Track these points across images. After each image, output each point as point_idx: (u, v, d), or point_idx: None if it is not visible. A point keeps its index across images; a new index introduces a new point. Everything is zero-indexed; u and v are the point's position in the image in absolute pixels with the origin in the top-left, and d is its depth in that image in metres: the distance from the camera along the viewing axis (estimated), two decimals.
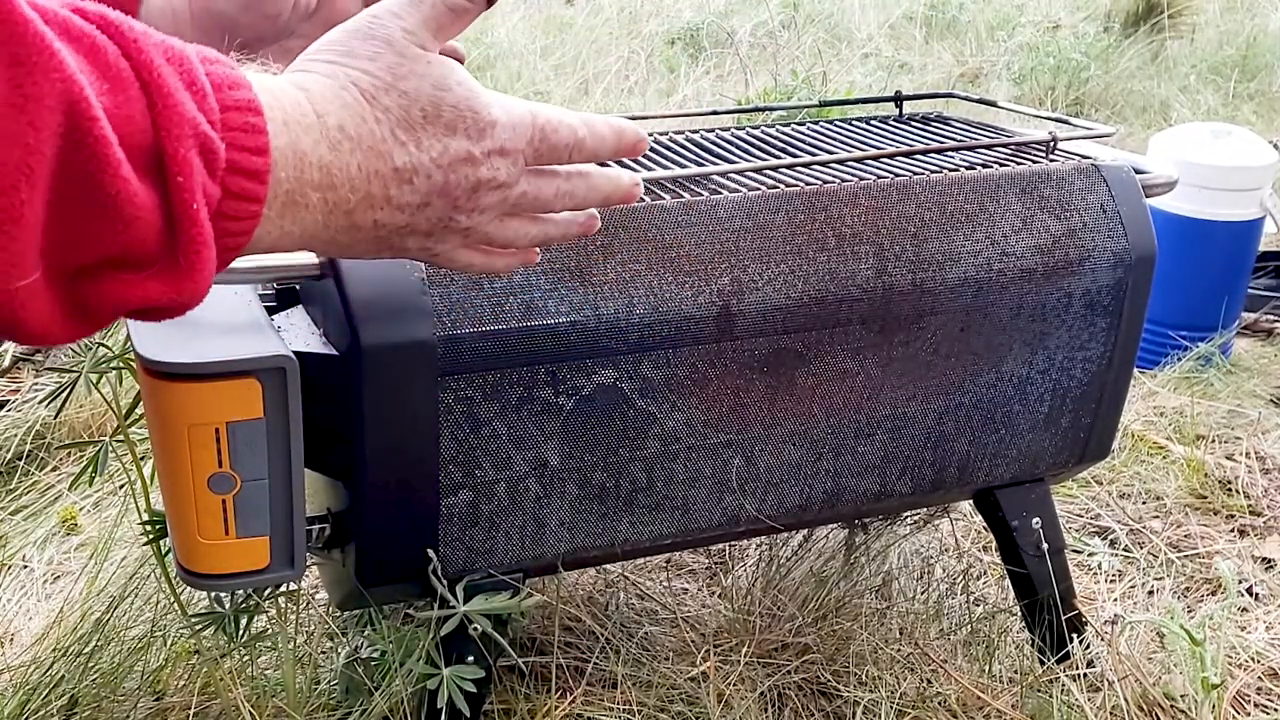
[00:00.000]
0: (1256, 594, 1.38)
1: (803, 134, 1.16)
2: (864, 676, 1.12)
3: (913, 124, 1.23)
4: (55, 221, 0.42)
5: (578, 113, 0.67)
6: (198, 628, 1.01)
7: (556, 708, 1.05)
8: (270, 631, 1.08)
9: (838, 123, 1.23)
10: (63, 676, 1.09)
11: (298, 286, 0.96)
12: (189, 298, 0.48)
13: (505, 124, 0.62)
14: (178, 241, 0.46)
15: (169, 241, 0.46)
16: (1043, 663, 1.15)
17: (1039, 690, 1.10)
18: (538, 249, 0.71)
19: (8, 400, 1.72)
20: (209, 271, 0.48)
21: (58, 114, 0.40)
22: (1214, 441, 1.76)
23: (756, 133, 1.17)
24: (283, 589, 1.01)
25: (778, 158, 1.05)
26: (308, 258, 0.82)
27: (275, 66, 0.64)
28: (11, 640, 1.25)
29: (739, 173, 0.97)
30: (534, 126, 0.63)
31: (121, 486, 1.47)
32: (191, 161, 0.46)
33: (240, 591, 0.98)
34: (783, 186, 0.95)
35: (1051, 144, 1.05)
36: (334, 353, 0.83)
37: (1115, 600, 1.34)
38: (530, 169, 0.64)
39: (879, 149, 1.08)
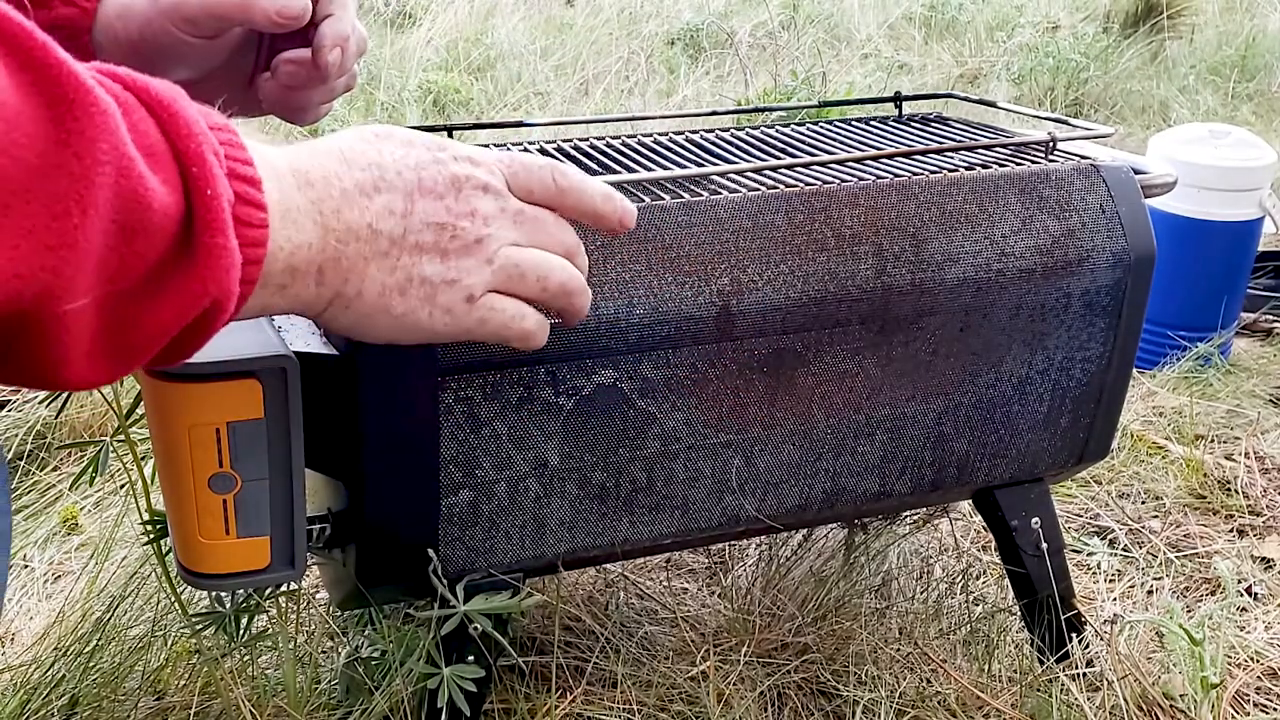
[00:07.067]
0: (1256, 594, 1.38)
1: (802, 134, 1.16)
2: (864, 676, 1.12)
3: (912, 124, 1.23)
4: (105, 246, 0.45)
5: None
6: (198, 628, 1.01)
7: (556, 707, 1.05)
8: (270, 631, 1.08)
9: (837, 123, 1.23)
10: (63, 676, 1.09)
11: None
12: (217, 291, 0.49)
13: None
14: (194, 227, 0.48)
15: (187, 231, 0.48)
16: (1042, 662, 1.15)
17: (1038, 690, 1.11)
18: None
19: (8, 400, 1.72)
20: (231, 263, 0.50)
21: (99, 144, 0.44)
22: (1213, 441, 1.76)
23: (756, 133, 1.17)
24: (283, 589, 1.01)
25: (778, 158, 1.05)
26: None
27: None
28: (12, 640, 1.25)
29: (739, 173, 0.97)
30: (499, 157, 0.66)
31: (122, 486, 1.47)
32: (204, 157, 0.48)
33: (241, 591, 0.98)
34: (783, 187, 0.95)
35: (1051, 144, 1.06)
36: (334, 353, 0.83)
37: (1114, 600, 1.35)
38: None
39: (878, 149, 1.08)
